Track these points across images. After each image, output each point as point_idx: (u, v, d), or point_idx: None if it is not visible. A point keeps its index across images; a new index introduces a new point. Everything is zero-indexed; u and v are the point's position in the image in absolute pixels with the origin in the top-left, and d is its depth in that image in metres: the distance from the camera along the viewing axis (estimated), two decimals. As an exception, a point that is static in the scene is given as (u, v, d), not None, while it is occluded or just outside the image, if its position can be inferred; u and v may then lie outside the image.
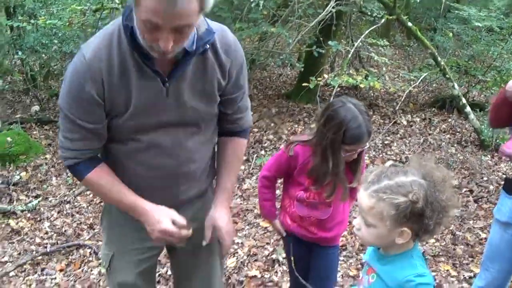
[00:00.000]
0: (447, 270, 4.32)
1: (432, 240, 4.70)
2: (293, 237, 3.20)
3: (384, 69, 9.01)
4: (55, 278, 4.66)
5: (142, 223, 2.45)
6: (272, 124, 7.83)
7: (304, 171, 2.95)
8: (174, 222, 2.38)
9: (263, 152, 6.10)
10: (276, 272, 4.38)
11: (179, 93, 2.25)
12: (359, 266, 4.36)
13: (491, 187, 5.72)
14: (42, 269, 4.82)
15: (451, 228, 4.91)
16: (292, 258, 3.35)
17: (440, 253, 4.54)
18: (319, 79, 6.47)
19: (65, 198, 5.93)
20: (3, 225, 5.58)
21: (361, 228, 2.11)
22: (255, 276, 4.35)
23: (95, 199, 5.97)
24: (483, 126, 7.02)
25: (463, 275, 4.25)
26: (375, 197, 2.00)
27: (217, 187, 2.63)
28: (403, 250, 2.13)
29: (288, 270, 4.17)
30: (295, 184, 3.04)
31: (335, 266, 3.29)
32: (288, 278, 4.18)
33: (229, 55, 2.31)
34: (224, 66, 2.31)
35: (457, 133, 7.44)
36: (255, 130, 7.59)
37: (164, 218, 2.37)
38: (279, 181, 3.30)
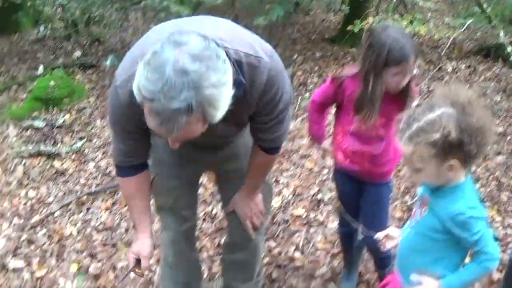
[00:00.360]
0: (492, 216, 4.29)
1: (478, 185, 4.65)
2: (345, 175, 3.22)
3: (429, 14, 8.84)
4: (101, 217, 4.73)
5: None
6: (317, 68, 7.75)
7: (352, 104, 2.94)
8: (138, 259, 2.70)
9: (307, 95, 6.07)
10: (322, 212, 4.39)
11: (210, 129, 2.24)
12: (405, 208, 4.35)
13: (536, 136, 5.62)
14: (88, 209, 4.88)
15: (496, 175, 4.86)
16: (341, 196, 3.37)
17: (485, 199, 4.49)
18: (364, 22, 6.39)
19: (110, 139, 5.92)
20: (47, 167, 5.64)
21: (412, 174, 2.15)
22: (300, 215, 4.37)
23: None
24: (529, 75, 6.88)
25: (508, 222, 4.22)
26: (411, 143, 2.03)
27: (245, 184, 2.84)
28: (456, 183, 2.13)
29: (334, 210, 4.21)
30: (346, 118, 3.03)
31: (386, 205, 3.29)
32: (333, 218, 4.20)
33: (257, 94, 2.25)
34: (251, 102, 2.28)
35: (502, 82, 7.30)
36: (299, 73, 7.53)
37: (133, 252, 2.71)
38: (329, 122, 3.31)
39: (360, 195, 3.27)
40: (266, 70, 2.19)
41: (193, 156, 2.76)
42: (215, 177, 3.18)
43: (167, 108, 1.74)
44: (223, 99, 1.84)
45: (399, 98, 2.89)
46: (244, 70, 2.11)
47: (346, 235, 3.54)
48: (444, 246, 2.20)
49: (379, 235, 2.56)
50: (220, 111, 1.86)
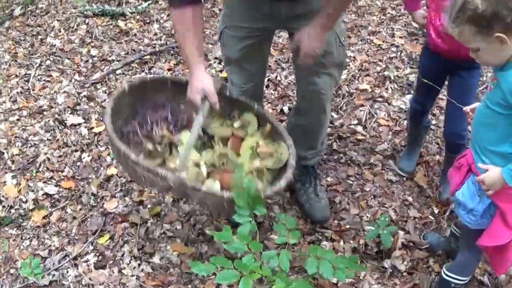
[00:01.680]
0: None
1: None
2: (434, 54, 3.14)
3: None
4: (163, 77, 4.70)
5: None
6: None
7: None
8: (205, 94, 2.62)
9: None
10: (387, 88, 4.30)
11: None
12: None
13: None
14: (150, 68, 4.88)
15: None
16: (426, 75, 3.27)
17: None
18: None
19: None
20: (111, 26, 5.60)
21: (475, 56, 2.16)
22: (365, 89, 4.30)
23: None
24: None
25: None
26: (454, 26, 2.07)
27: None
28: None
29: (400, 88, 4.13)
30: None
31: (475, 86, 3.20)
32: (398, 96, 4.14)
33: None
34: None
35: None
36: None
37: (197, 91, 2.62)
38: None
39: (445, 78, 3.22)
40: None
41: (268, 8, 2.69)
42: (288, 36, 3.09)
43: None
44: None
45: None
46: None
47: (418, 112, 3.47)
48: (508, 123, 2.17)
49: (467, 108, 2.55)
50: None
